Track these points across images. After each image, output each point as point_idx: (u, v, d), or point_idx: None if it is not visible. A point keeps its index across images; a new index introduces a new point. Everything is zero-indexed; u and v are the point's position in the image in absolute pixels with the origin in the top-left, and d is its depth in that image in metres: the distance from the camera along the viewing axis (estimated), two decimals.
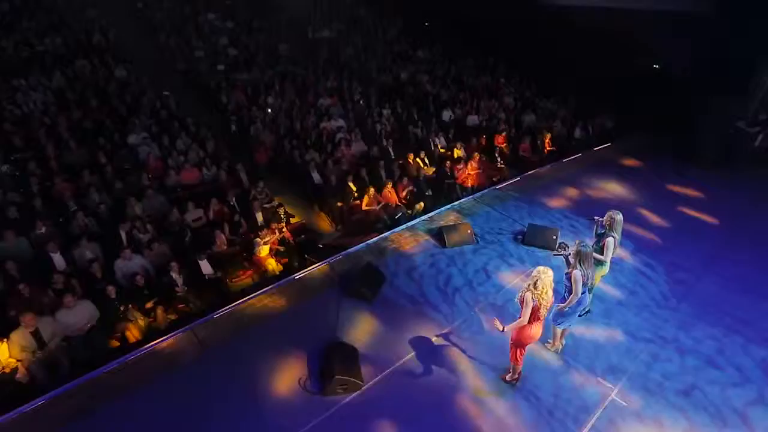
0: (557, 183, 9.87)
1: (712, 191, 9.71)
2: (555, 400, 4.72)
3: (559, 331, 5.20)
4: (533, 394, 4.79)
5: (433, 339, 5.45)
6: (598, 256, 5.16)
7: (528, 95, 15.21)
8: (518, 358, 4.57)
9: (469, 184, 10.34)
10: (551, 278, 4.15)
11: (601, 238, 5.26)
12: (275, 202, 8.60)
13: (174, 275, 6.33)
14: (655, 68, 14.36)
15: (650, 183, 10.15)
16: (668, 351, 5.40)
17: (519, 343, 4.46)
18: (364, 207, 8.82)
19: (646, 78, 13.78)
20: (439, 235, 7.37)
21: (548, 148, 12.09)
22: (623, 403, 4.69)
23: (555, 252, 5.38)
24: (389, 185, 9.18)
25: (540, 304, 4.12)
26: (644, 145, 12.18)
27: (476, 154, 10.88)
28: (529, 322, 4.21)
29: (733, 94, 10.22)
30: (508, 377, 4.90)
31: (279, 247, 7.39)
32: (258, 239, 7.10)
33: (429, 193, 9.71)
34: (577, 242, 4.60)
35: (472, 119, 13.30)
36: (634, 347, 5.41)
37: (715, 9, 10.95)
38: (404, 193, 9.38)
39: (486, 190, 9.20)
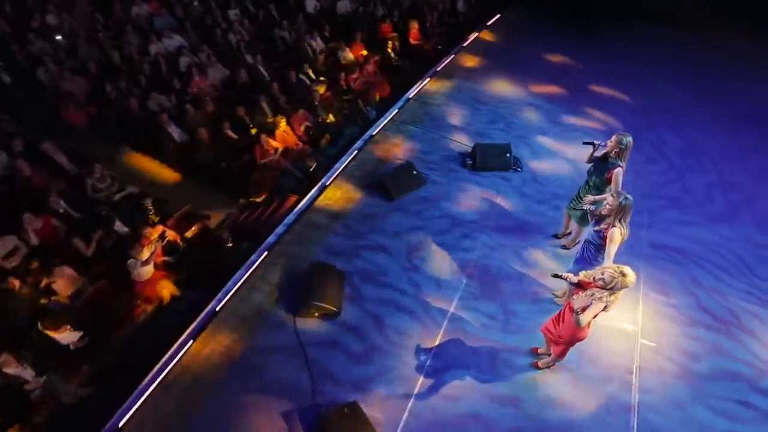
0: (471, 77, 8.62)
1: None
2: (596, 369, 4.22)
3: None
4: (573, 371, 4.19)
5: (435, 342, 4.35)
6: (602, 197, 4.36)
7: None
8: (566, 353, 3.78)
9: (373, 96, 8.58)
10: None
11: (602, 166, 4.34)
12: (131, 189, 5.94)
13: (12, 370, 3.93)
14: None
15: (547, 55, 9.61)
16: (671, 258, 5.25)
17: (573, 341, 3.61)
18: (259, 160, 6.65)
19: None
20: (379, 185, 5.82)
21: (437, 30, 10.54)
22: (651, 344, 4.37)
23: (577, 206, 4.47)
24: (282, 122, 6.98)
25: (608, 309, 3.18)
26: (537, 12, 11.34)
27: (369, 54, 8.93)
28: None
29: None
30: (542, 363, 4.16)
31: (167, 258, 5.17)
32: (132, 260, 4.78)
33: (331, 118, 7.77)
34: (614, 194, 3.61)
35: (343, 5, 10.81)
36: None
37: None
38: (302, 129, 7.32)
39: (399, 104, 7.57)
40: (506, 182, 6.16)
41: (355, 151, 6.48)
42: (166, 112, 6.82)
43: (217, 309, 4.45)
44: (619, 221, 3.59)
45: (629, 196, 3.56)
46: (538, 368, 4.17)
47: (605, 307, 3.12)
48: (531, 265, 5.10)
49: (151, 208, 5.64)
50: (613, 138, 4.19)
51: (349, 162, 6.28)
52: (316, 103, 7.62)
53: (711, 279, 5.15)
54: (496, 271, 5.01)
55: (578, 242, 5.21)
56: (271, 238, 5.21)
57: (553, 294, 4.78)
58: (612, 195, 3.62)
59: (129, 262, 4.77)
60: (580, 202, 4.69)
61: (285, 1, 10.38)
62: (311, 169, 6.33)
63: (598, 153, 4.36)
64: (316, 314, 4.41)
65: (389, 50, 9.34)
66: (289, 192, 6.40)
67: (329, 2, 10.88)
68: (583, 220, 4.79)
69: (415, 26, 10.01)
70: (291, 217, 5.51)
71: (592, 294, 3.19)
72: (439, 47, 9.80)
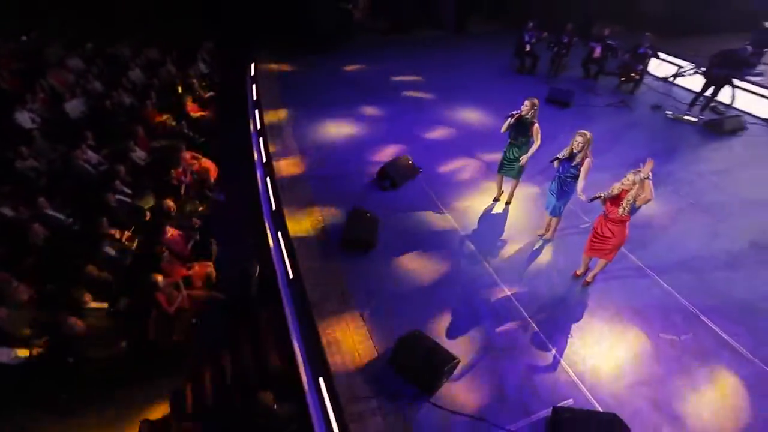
0: (293, 121, 8.28)
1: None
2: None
3: (555, 221, 5.29)
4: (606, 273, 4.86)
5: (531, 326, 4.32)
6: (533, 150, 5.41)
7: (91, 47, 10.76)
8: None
9: (212, 179, 7.32)
10: None
11: (523, 128, 5.22)
12: None
13: None
14: None
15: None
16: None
17: (623, 241, 4.34)
18: (173, 310, 4.84)
19: None
20: (350, 242, 5.09)
21: (206, 95, 9.69)
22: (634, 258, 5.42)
23: (513, 167, 5.54)
24: (164, 252, 5.22)
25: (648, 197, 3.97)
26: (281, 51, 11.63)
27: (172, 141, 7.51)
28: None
29: None
30: (590, 278, 4.81)
31: None
32: None
33: (196, 222, 6.26)
34: (580, 132, 4.46)
35: (73, 106, 8.54)
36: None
37: None
38: (190, 247, 5.69)
39: (261, 173, 6.70)
40: (420, 183, 6.49)
41: (280, 233, 5.49)
42: None
43: None
44: (588, 151, 4.54)
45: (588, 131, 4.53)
46: (589, 283, 4.81)
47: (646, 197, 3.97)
48: (502, 225, 5.76)
49: None
50: (527, 103, 5.13)
51: (287, 242, 5.29)
52: (172, 214, 5.96)
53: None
54: (491, 247, 5.36)
55: (513, 195, 6.11)
56: (306, 370, 3.97)
57: (537, 234, 5.55)
58: (579, 134, 4.49)
59: None
60: (514, 163, 5.56)
61: None
62: (256, 275, 5.01)
63: (512, 121, 5.22)
64: (446, 378, 3.78)
65: (186, 130, 8.05)
66: (233, 319, 5.00)
67: (50, 111, 8.35)
68: (519, 173, 5.70)
69: (189, 99, 8.91)
70: (294, 335, 4.30)
71: (631, 198, 4.00)
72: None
